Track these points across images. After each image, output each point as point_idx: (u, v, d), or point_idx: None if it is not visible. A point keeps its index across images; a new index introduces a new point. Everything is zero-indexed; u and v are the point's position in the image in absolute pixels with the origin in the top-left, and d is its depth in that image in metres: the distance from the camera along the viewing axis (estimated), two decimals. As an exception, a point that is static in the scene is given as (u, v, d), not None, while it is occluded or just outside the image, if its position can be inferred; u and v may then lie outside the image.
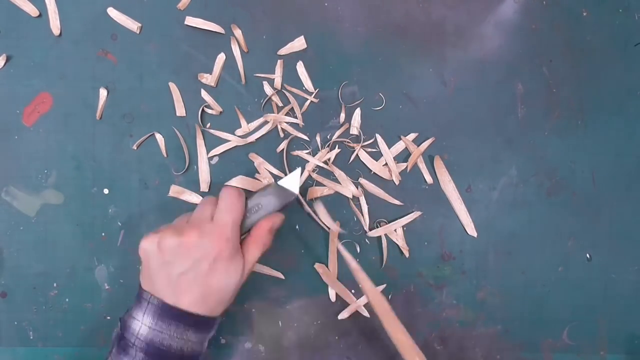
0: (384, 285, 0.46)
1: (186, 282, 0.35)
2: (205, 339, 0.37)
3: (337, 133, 0.46)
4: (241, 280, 0.37)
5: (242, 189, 0.42)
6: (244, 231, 0.38)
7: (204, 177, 0.46)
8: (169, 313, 0.35)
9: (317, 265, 0.46)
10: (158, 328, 0.35)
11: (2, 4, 0.45)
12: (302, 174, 0.39)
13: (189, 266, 0.35)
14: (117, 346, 0.36)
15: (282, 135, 0.46)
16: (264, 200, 0.39)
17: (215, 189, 0.46)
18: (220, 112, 0.46)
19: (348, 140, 0.46)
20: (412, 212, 0.47)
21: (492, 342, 0.48)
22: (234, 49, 0.46)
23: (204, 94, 0.46)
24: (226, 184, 0.46)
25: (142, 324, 0.35)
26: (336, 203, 0.47)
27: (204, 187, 0.46)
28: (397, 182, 0.46)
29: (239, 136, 0.46)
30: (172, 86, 0.46)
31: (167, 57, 0.46)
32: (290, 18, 0.47)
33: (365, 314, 0.47)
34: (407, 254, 0.47)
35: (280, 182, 0.39)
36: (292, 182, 0.39)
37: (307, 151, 0.46)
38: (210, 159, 0.46)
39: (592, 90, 0.48)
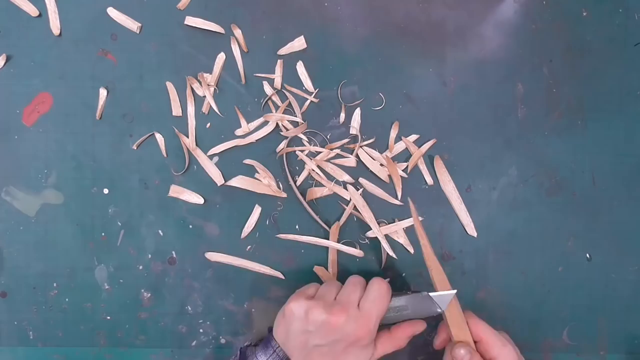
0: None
1: (319, 353, 0.38)
2: None
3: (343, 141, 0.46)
4: None
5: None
6: (381, 324, 0.40)
7: (213, 171, 0.46)
8: None
9: (316, 268, 0.46)
10: None
11: (2, 4, 0.45)
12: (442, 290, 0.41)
13: (327, 343, 0.37)
14: None
15: (283, 132, 0.46)
16: (410, 305, 0.40)
17: (220, 188, 0.46)
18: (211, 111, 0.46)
19: (359, 144, 0.46)
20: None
21: (492, 342, 0.48)
22: (234, 49, 0.46)
23: (204, 94, 0.46)
24: (227, 183, 0.46)
25: None
26: (336, 203, 0.47)
27: (219, 180, 0.46)
28: (399, 196, 0.46)
29: (238, 136, 0.46)
30: (170, 86, 0.46)
31: (167, 57, 0.46)
32: (290, 18, 0.47)
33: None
34: (412, 250, 0.47)
35: (432, 295, 0.40)
36: (444, 298, 0.40)
37: (306, 152, 0.46)
38: (210, 157, 0.46)
39: (592, 90, 0.48)
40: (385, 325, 0.41)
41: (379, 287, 0.39)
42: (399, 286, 0.47)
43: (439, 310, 0.40)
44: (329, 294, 0.39)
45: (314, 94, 0.46)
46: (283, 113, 0.46)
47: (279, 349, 0.39)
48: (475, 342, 0.40)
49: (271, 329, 0.41)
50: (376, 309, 0.38)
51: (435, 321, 0.44)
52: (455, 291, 0.40)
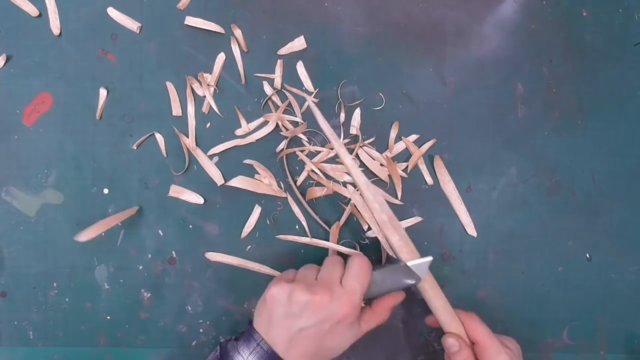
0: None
1: (305, 336, 0.36)
2: None
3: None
4: (350, 345, 0.39)
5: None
6: (364, 298, 0.39)
7: (213, 172, 0.46)
8: None
9: (317, 266, 0.46)
10: None
11: (2, 4, 0.45)
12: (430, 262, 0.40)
13: (313, 324, 0.36)
14: None
15: (283, 132, 0.46)
16: (390, 277, 0.40)
17: (220, 188, 0.46)
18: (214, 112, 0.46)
19: (364, 144, 0.46)
20: (412, 211, 0.47)
21: (492, 342, 0.48)
22: (234, 49, 0.46)
23: (204, 94, 0.46)
24: (227, 183, 0.46)
25: None
26: (336, 203, 0.47)
27: (219, 180, 0.46)
28: (399, 196, 0.46)
29: (238, 136, 0.46)
30: (169, 86, 0.46)
31: (167, 57, 0.46)
32: (290, 18, 0.47)
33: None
34: None
35: (410, 264, 0.40)
36: (422, 266, 0.40)
37: (306, 152, 0.46)
38: (210, 157, 0.46)
39: (592, 90, 0.48)
40: (366, 303, 0.41)
41: (360, 262, 0.39)
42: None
43: (418, 279, 0.40)
44: (309, 275, 0.39)
45: (314, 94, 0.46)
46: (283, 113, 0.46)
47: (262, 342, 0.37)
48: (473, 343, 0.40)
49: (252, 321, 0.40)
50: (359, 284, 0.37)
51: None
52: (431, 258, 0.40)
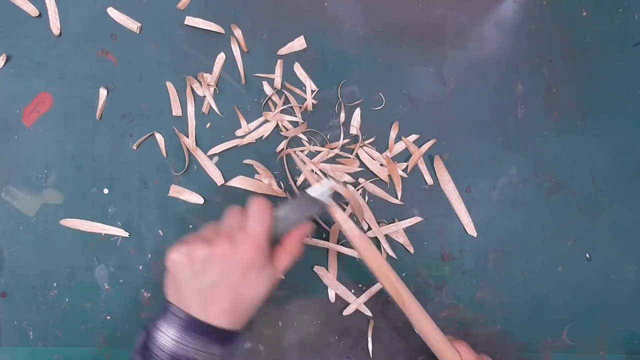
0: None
1: (217, 292, 0.35)
2: (228, 352, 0.37)
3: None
4: (270, 290, 0.37)
5: (268, 196, 0.42)
6: (273, 238, 0.38)
7: (213, 172, 0.46)
8: (195, 327, 0.34)
9: (316, 268, 0.46)
10: (183, 342, 0.34)
11: (2, 4, 0.45)
12: (332, 184, 0.39)
13: (220, 276, 0.34)
14: (139, 356, 0.35)
15: (283, 132, 0.46)
16: (293, 210, 0.39)
17: (220, 188, 0.46)
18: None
19: (362, 143, 0.46)
20: (412, 211, 0.47)
21: (492, 342, 0.48)
22: (234, 49, 0.46)
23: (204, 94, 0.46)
24: (227, 184, 0.46)
25: (167, 337, 0.34)
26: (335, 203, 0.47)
27: (219, 180, 0.46)
28: (399, 196, 0.46)
29: (238, 136, 0.46)
30: (170, 86, 0.46)
31: (167, 57, 0.46)
32: (290, 18, 0.47)
33: (367, 312, 0.47)
34: (412, 250, 0.47)
35: (309, 191, 0.39)
36: (322, 191, 0.39)
37: (306, 152, 0.46)
38: (210, 157, 0.46)
39: (592, 90, 0.48)
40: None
41: (258, 203, 0.37)
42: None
43: (322, 204, 0.39)
44: (208, 232, 0.37)
45: (313, 94, 0.46)
46: (283, 113, 0.46)
47: (178, 311, 0.35)
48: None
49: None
50: (260, 225, 0.36)
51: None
52: (329, 179, 0.39)
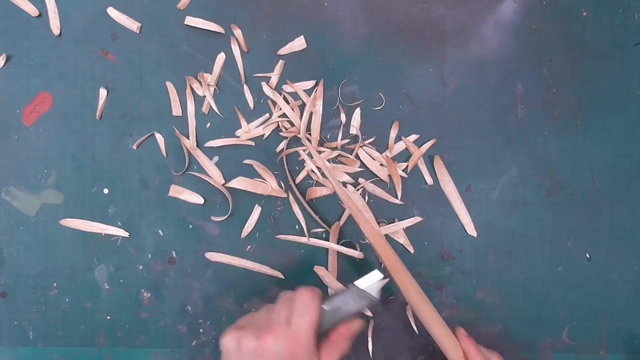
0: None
1: None
2: None
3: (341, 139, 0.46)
4: None
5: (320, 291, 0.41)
6: (322, 331, 0.38)
7: (213, 171, 0.46)
8: None
9: (316, 268, 0.46)
10: None
11: (2, 4, 0.45)
12: (382, 279, 0.39)
13: None
14: None
15: (283, 132, 0.46)
16: (342, 305, 0.39)
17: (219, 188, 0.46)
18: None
19: (362, 143, 0.46)
20: (412, 211, 0.47)
21: (492, 342, 0.48)
22: (234, 49, 0.46)
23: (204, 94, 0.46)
24: (227, 184, 0.46)
25: None
26: (336, 203, 0.47)
27: (219, 179, 0.46)
28: (399, 196, 0.46)
29: (238, 136, 0.46)
30: (170, 86, 0.46)
31: (167, 57, 0.46)
32: (290, 18, 0.47)
33: (367, 312, 0.47)
34: (412, 250, 0.47)
35: (358, 284, 0.39)
36: (371, 284, 0.39)
37: (307, 151, 0.46)
38: (210, 157, 0.46)
39: (592, 90, 0.48)
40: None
41: (302, 297, 0.38)
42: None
43: (372, 298, 0.39)
44: (261, 319, 0.38)
45: (313, 94, 0.46)
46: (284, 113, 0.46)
47: None
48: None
49: None
50: (305, 322, 0.37)
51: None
52: (377, 271, 0.39)
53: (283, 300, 0.39)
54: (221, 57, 0.46)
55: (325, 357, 0.38)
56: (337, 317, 0.39)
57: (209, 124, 0.46)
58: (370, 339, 0.47)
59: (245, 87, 0.46)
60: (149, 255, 0.46)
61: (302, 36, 0.46)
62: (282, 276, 0.46)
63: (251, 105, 0.46)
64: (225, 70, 0.46)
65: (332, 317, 0.38)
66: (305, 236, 0.46)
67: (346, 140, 0.47)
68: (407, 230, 0.47)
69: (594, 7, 0.48)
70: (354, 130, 0.47)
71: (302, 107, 0.46)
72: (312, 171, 0.46)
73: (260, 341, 0.36)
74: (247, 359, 0.36)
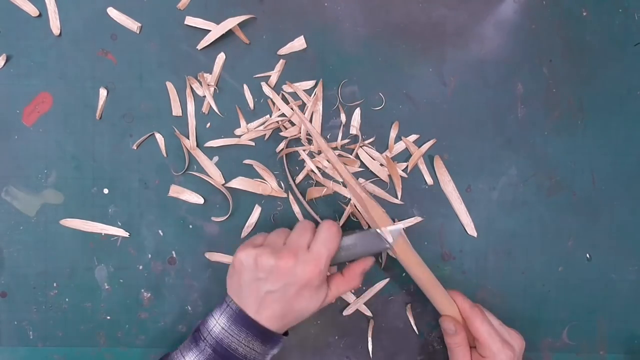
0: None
1: (271, 299, 0.37)
2: (267, 352, 0.39)
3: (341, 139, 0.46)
4: (319, 308, 0.39)
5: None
6: (332, 264, 0.40)
7: (212, 171, 0.46)
8: (243, 321, 0.38)
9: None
10: (229, 331, 0.38)
11: (2, 4, 0.45)
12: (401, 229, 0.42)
13: (278, 287, 0.37)
14: (191, 335, 0.40)
15: (283, 132, 0.46)
16: (360, 243, 0.41)
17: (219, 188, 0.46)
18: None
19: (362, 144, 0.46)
20: (412, 211, 0.47)
21: (492, 342, 0.48)
22: (234, 48, 0.46)
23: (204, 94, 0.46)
24: (227, 185, 0.46)
25: (217, 323, 0.38)
26: (336, 203, 0.47)
27: (219, 179, 0.46)
28: (399, 196, 0.46)
29: (238, 136, 0.46)
30: (170, 86, 0.46)
31: (167, 57, 0.46)
32: (290, 18, 0.47)
33: (367, 312, 0.47)
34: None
35: (379, 230, 0.41)
36: (392, 233, 0.41)
37: (306, 151, 0.46)
38: (210, 157, 0.46)
39: (592, 90, 0.48)
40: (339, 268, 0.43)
41: (329, 228, 0.39)
42: (399, 286, 0.47)
43: (388, 244, 0.41)
44: (277, 240, 0.39)
45: (313, 95, 0.46)
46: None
47: (232, 303, 0.38)
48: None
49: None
50: (326, 249, 0.38)
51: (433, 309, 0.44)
52: (401, 225, 0.41)
53: (302, 226, 0.40)
54: (221, 57, 0.46)
55: (335, 287, 0.40)
56: (350, 253, 0.41)
57: (209, 124, 0.46)
58: (370, 339, 0.47)
59: (245, 87, 0.46)
60: (149, 255, 0.46)
61: (302, 36, 0.46)
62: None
63: (251, 105, 0.46)
64: (225, 70, 0.46)
65: (346, 252, 0.41)
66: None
67: (346, 140, 0.47)
68: (407, 230, 0.47)
69: (594, 7, 0.48)
70: (354, 130, 0.47)
71: (302, 107, 0.46)
72: (312, 171, 0.46)
73: (280, 261, 0.37)
74: (262, 275, 0.37)
